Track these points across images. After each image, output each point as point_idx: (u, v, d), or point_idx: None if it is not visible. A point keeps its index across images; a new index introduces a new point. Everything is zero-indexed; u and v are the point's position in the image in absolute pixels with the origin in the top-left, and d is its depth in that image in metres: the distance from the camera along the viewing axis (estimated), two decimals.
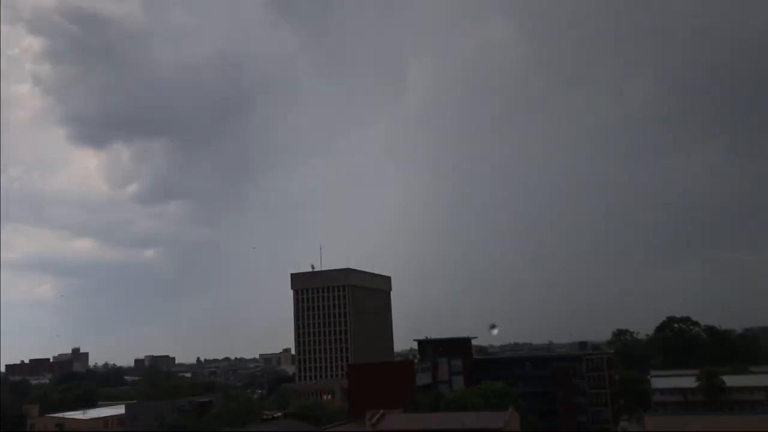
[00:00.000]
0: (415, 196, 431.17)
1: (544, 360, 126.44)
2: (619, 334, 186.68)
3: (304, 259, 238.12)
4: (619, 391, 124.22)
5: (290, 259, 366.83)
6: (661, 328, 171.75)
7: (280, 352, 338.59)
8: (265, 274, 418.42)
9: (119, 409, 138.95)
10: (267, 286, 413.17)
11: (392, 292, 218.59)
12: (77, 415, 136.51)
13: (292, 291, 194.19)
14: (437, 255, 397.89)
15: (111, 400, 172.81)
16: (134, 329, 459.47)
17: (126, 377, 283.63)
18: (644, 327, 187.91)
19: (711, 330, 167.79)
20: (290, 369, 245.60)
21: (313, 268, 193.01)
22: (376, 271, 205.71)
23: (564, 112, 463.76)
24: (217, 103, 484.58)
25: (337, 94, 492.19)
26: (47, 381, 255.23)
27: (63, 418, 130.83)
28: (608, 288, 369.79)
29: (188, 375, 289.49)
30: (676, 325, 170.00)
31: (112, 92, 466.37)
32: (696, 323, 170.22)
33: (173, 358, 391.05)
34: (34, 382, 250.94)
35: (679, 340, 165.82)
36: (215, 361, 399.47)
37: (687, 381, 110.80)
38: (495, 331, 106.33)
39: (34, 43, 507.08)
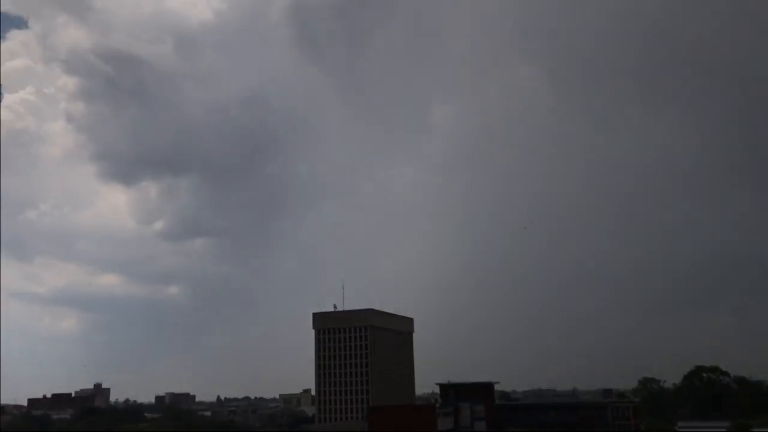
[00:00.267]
0: (439, 238, 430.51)
1: (568, 408, 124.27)
2: (646, 382, 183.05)
3: (326, 299, 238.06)
4: None
5: (312, 298, 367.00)
6: (690, 376, 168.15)
7: (300, 393, 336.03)
8: (287, 312, 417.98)
9: None
10: (289, 324, 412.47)
11: (414, 334, 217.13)
12: None
13: (313, 330, 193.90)
14: (460, 298, 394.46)
15: None
16: (156, 365, 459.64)
17: (146, 414, 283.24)
18: (671, 375, 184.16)
19: (741, 380, 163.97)
20: (310, 410, 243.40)
21: (335, 307, 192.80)
22: (398, 313, 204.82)
23: (591, 155, 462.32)
24: (245, 142, 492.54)
25: (362, 135, 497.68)
26: (68, 416, 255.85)
27: None
28: (634, 334, 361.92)
29: (208, 414, 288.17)
30: (705, 375, 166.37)
31: (143, 130, 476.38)
32: (726, 373, 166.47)
33: (193, 396, 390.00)
34: (55, 417, 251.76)
35: (708, 390, 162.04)
36: (235, 400, 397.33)
37: None
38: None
39: (69, 82, 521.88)
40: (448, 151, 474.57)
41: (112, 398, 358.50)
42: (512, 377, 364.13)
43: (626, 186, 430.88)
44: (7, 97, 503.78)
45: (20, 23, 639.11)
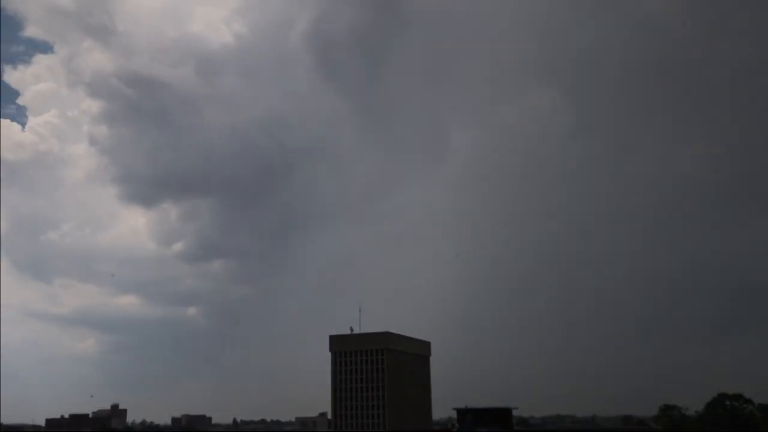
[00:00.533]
0: (456, 261, 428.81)
1: None
2: (666, 409, 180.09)
3: (343, 322, 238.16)
4: None
5: (330, 321, 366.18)
6: (712, 404, 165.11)
7: (317, 416, 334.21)
8: (303, 335, 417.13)
9: None
10: (305, 347, 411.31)
11: (431, 358, 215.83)
12: None
13: (330, 353, 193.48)
14: (478, 321, 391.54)
15: None
16: (173, 387, 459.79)
17: None
18: (693, 403, 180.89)
19: (765, 408, 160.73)
20: None
21: (352, 330, 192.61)
22: (415, 336, 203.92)
23: (610, 177, 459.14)
24: (263, 165, 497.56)
25: (379, 158, 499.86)
26: None
27: None
28: (656, 360, 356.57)
29: None
30: (728, 403, 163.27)
31: (164, 153, 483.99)
32: (750, 401, 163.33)
33: (209, 418, 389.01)
34: None
35: (731, 419, 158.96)
36: (251, 422, 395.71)
37: None
38: None
39: (92, 105, 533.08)
40: (466, 174, 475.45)
41: (129, 419, 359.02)
42: (530, 402, 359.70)
43: (646, 210, 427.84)
44: (32, 120, 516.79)
45: (46, 48, 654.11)
